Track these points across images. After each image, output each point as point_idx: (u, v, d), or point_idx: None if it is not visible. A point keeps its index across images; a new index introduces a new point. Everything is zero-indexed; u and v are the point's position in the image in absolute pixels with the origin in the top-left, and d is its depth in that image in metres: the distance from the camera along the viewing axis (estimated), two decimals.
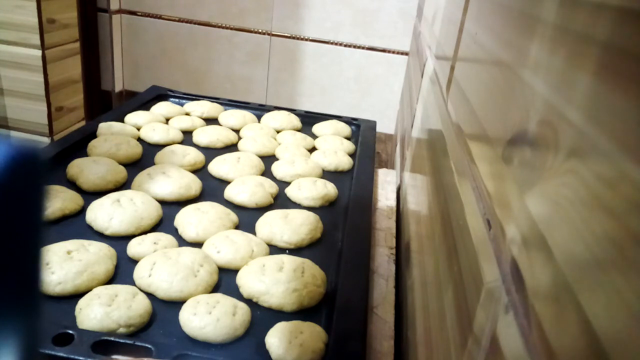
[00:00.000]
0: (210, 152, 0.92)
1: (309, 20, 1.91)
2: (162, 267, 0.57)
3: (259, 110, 1.16)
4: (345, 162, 0.95)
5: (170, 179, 0.77)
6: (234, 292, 0.58)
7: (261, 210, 0.76)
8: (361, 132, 1.11)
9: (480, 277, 0.31)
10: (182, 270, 0.57)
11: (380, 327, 0.60)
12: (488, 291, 0.29)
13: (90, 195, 0.73)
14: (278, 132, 1.07)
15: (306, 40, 1.94)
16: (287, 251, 0.68)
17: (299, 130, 1.09)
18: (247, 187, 0.78)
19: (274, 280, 0.58)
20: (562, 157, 0.22)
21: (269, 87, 2.04)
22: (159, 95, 1.17)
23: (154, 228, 0.69)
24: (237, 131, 1.05)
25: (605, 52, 0.19)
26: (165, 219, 0.71)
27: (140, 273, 0.58)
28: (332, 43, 1.93)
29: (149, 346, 0.48)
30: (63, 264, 0.56)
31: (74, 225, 0.67)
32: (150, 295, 0.56)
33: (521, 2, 0.33)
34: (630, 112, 0.17)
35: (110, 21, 1.97)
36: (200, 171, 0.87)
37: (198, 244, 0.66)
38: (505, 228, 0.28)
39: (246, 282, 0.59)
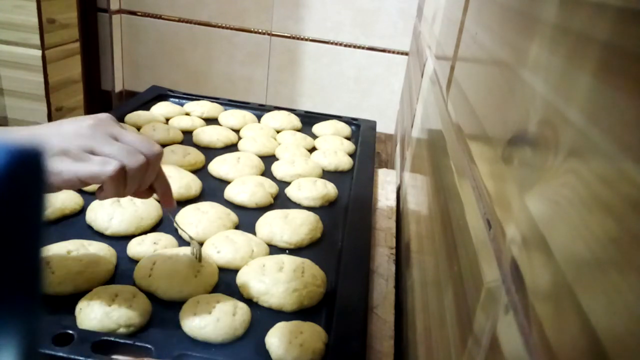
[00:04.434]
0: (210, 152, 0.92)
1: (309, 20, 1.91)
2: (162, 267, 0.57)
3: (259, 110, 1.16)
4: (345, 162, 0.95)
5: (170, 179, 0.77)
6: (234, 292, 0.58)
7: (261, 210, 0.76)
8: (361, 132, 1.11)
9: (480, 277, 0.31)
10: (182, 270, 0.57)
11: (380, 327, 0.60)
12: (488, 291, 0.29)
13: (90, 195, 0.73)
14: (278, 132, 1.07)
15: (306, 40, 1.94)
16: (287, 251, 0.68)
17: (299, 130, 1.09)
18: (247, 187, 0.78)
19: (274, 280, 0.58)
20: (562, 157, 0.22)
21: (269, 87, 2.04)
22: (159, 95, 1.17)
23: (154, 228, 0.69)
24: (237, 131, 1.05)
25: (605, 52, 0.19)
26: (165, 219, 0.71)
27: (140, 273, 0.58)
28: (332, 43, 1.93)
29: (149, 346, 0.48)
30: (63, 264, 0.56)
31: (74, 225, 0.67)
32: (150, 295, 0.56)
33: (521, 2, 0.33)
34: (630, 112, 0.17)
35: (110, 21, 1.97)
36: (200, 171, 0.87)
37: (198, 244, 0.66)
38: (505, 228, 0.28)
39: (246, 282, 0.59)
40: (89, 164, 0.46)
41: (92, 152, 0.47)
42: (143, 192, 0.53)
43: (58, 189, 0.48)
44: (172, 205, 0.56)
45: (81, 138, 0.47)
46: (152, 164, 0.50)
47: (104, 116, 0.51)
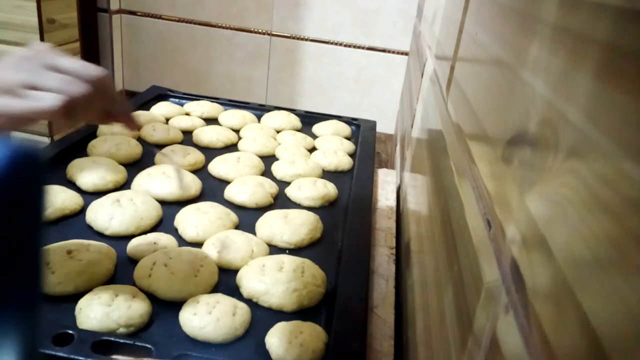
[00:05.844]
0: (210, 152, 0.92)
1: (309, 20, 1.91)
2: (162, 267, 0.57)
3: (259, 110, 1.16)
4: (345, 162, 0.95)
5: (171, 179, 0.77)
6: (234, 292, 0.58)
7: (261, 210, 0.76)
8: (361, 132, 1.11)
9: (480, 277, 0.31)
10: (182, 270, 0.57)
11: (380, 327, 0.60)
12: (488, 291, 0.29)
13: (90, 195, 0.73)
14: (278, 132, 1.07)
15: (306, 40, 1.94)
16: (287, 251, 0.68)
17: (299, 130, 1.09)
18: (247, 187, 0.78)
19: (274, 280, 0.58)
20: (562, 157, 0.22)
21: (269, 87, 2.04)
22: (159, 95, 1.17)
23: (154, 228, 0.69)
24: (237, 131, 1.05)
25: (605, 52, 0.19)
26: (165, 219, 0.71)
27: (140, 273, 0.58)
28: (332, 43, 1.92)
29: (149, 346, 0.48)
30: (63, 264, 0.56)
31: (74, 225, 0.67)
32: (150, 295, 0.56)
33: (521, 2, 0.33)
34: (630, 112, 0.17)
35: (110, 21, 1.97)
36: (200, 171, 0.87)
37: (198, 244, 0.66)
38: (505, 228, 0.28)
39: (246, 282, 0.59)
40: (27, 101, 0.43)
41: (32, 87, 0.43)
42: (102, 119, 0.51)
43: None
44: (137, 128, 0.56)
45: (16, 72, 0.43)
46: (100, 89, 0.46)
47: (40, 46, 0.46)
